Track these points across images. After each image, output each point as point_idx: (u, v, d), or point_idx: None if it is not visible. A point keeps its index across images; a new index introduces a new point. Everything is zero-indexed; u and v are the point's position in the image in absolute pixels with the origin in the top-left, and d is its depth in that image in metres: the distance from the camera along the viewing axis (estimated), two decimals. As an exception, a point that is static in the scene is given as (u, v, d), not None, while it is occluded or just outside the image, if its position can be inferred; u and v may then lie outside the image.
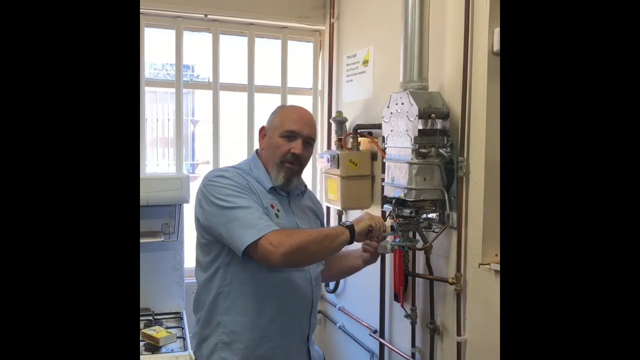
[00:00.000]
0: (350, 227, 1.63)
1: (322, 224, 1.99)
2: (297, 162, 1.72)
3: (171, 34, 2.82)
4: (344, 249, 1.68)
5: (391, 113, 1.96)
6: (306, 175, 2.26)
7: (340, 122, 2.61)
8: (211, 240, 1.66)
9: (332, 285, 2.92)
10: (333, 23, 2.93)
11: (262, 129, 1.81)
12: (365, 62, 2.59)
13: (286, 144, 1.70)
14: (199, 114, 4.24)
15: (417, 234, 2.03)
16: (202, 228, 1.68)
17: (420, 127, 1.86)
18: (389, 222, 1.92)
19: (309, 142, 1.74)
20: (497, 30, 1.74)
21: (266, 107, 3.09)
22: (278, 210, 1.69)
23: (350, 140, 2.51)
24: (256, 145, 2.98)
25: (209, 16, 2.85)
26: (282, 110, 1.79)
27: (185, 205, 2.60)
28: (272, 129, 1.75)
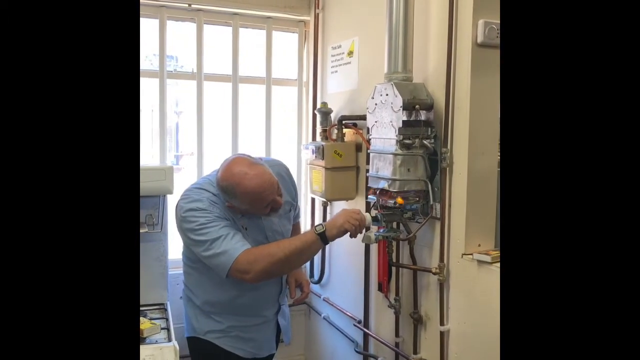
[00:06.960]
0: (322, 235, 1.71)
1: (295, 208, 2.08)
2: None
3: (154, 23, 2.79)
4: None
5: (375, 104, 1.96)
6: (291, 166, 2.26)
7: (325, 113, 2.61)
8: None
9: (316, 275, 2.93)
10: (318, 14, 2.92)
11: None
12: (350, 53, 2.59)
13: (264, 210, 1.77)
14: (182, 104, 4.20)
15: (401, 224, 2.04)
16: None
17: (405, 118, 1.86)
18: (372, 213, 1.93)
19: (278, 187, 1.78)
20: (482, 22, 1.75)
21: (251, 97, 3.07)
22: (246, 228, 1.83)
23: (335, 131, 2.52)
24: (241, 138, 2.99)
25: (192, 6, 2.83)
26: (240, 193, 1.69)
27: (169, 197, 2.58)
28: (242, 209, 1.78)
